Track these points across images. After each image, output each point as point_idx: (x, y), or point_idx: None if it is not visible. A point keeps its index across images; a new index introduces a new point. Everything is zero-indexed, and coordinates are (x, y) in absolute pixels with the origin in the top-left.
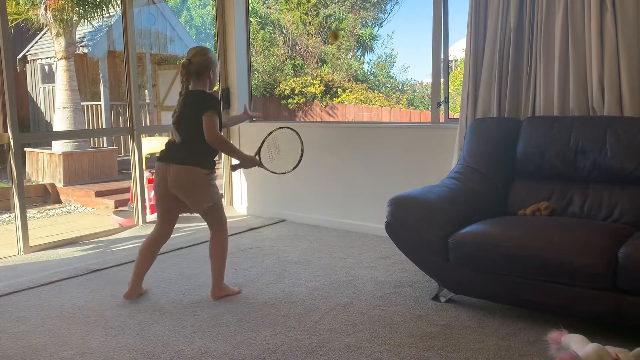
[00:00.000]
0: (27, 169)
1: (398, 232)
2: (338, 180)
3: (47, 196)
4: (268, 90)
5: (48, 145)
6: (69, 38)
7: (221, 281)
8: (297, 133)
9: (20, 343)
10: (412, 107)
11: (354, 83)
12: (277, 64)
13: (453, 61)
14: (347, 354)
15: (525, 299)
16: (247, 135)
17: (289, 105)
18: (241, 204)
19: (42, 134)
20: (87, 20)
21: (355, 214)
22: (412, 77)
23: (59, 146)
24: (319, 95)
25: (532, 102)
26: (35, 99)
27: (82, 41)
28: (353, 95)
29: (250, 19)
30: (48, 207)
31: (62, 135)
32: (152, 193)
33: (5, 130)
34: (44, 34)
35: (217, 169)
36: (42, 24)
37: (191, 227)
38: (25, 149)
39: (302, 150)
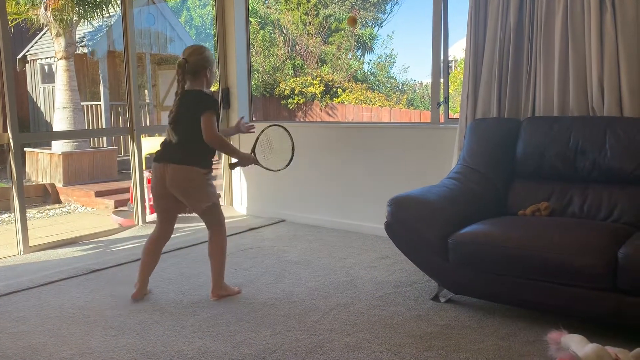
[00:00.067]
0: (27, 169)
1: (398, 232)
2: (338, 180)
3: (46, 196)
4: (268, 91)
5: (48, 145)
6: (69, 38)
7: (221, 281)
8: (285, 129)
9: (20, 343)
10: (412, 108)
11: (354, 83)
12: (277, 64)
13: (453, 61)
14: (346, 354)
15: (525, 299)
16: (246, 135)
17: (288, 106)
18: (241, 204)
19: (42, 134)
20: (87, 20)
21: (355, 214)
22: (412, 78)
23: (59, 146)
24: (319, 95)
25: (531, 102)
26: (35, 99)
27: (82, 41)
28: (353, 95)
29: (250, 19)
30: (48, 207)
31: (62, 135)
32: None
33: (5, 130)
34: (44, 34)
35: (217, 168)
36: (42, 24)
37: (191, 227)
38: (25, 149)
39: (293, 147)
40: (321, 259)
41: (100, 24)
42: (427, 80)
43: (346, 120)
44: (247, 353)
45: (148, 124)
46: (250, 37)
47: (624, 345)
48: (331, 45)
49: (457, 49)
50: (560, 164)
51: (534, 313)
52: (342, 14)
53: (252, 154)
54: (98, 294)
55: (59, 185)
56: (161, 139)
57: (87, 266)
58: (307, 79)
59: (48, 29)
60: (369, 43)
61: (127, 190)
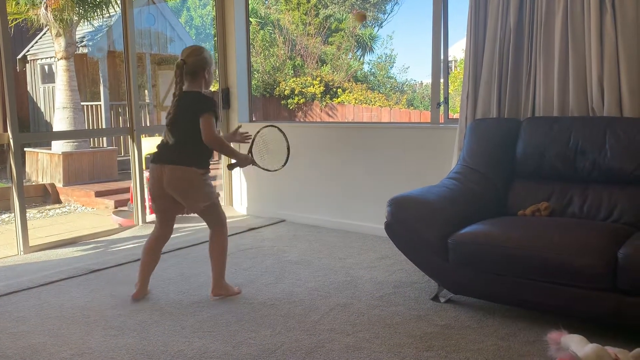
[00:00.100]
0: (27, 169)
1: (398, 232)
2: (338, 180)
3: (46, 196)
4: (268, 91)
5: (48, 145)
6: (69, 38)
7: (222, 280)
8: (280, 130)
9: (20, 343)
10: (412, 108)
11: (354, 83)
12: (277, 64)
13: (453, 61)
14: (346, 354)
15: (525, 299)
16: None
17: (288, 106)
18: (241, 204)
19: (42, 134)
20: (87, 20)
21: (355, 214)
22: (411, 78)
23: (59, 146)
24: (319, 95)
25: (531, 102)
26: (35, 99)
27: (82, 41)
28: (353, 95)
29: (250, 19)
30: (48, 207)
31: (62, 135)
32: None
33: (5, 130)
34: (44, 34)
35: (216, 169)
36: (42, 24)
37: (191, 227)
38: (25, 149)
39: (289, 147)
40: (321, 259)
41: (100, 24)
42: (427, 80)
43: (346, 121)
44: (247, 353)
45: (148, 124)
46: (250, 37)
47: (624, 345)
48: (331, 45)
49: (457, 49)
50: (560, 164)
51: (534, 313)
52: (342, 14)
53: (250, 155)
54: (98, 294)
55: (59, 185)
56: (161, 139)
57: (87, 266)
58: (307, 79)
59: (48, 29)
60: (369, 43)
61: (127, 190)
